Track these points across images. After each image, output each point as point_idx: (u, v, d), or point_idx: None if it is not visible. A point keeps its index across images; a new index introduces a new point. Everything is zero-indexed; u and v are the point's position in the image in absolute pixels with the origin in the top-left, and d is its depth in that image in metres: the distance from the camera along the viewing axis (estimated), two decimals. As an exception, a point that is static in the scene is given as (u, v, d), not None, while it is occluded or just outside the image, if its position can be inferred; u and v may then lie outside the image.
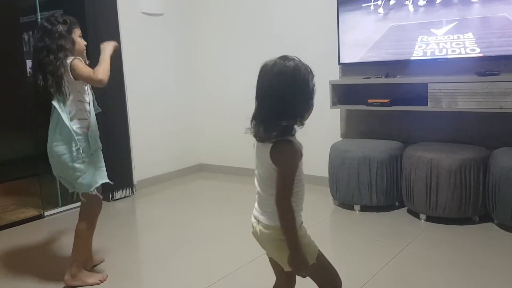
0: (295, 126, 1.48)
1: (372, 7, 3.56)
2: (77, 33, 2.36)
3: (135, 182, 4.29)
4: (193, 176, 4.88)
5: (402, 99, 3.47)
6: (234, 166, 4.78)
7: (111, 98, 3.86)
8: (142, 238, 3.34)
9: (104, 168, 2.49)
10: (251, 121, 1.50)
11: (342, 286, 1.61)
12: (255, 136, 1.50)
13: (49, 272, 2.63)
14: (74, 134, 2.30)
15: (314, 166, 3.83)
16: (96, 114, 2.48)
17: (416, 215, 3.25)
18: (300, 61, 1.47)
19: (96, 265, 2.67)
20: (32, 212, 3.73)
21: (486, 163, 3.03)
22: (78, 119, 2.34)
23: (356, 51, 3.69)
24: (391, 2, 3.47)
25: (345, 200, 3.51)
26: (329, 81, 3.64)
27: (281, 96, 1.43)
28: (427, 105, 3.21)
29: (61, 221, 3.60)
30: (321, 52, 3.89)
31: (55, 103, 2.27)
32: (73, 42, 2.33)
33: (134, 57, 4.25)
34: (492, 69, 3.10)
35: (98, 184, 2.41)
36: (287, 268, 1.55)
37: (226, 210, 3.71)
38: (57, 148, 2.31)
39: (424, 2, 3.34)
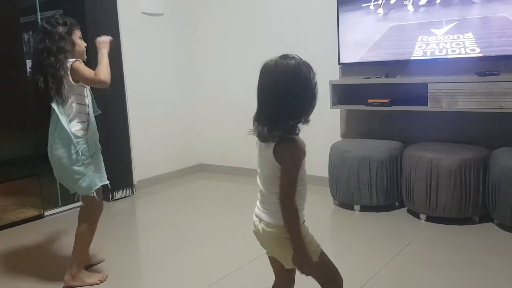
0: (300, 124, 1.46)
1: (372, 7, 3.56)
2: (77, 34, 2.36)
3: (135, 182, 4.30)
4: (193, 176, 4.88)
5: (402, 99, 3.47)
6: (234, 166, 4.79)
7: (111, 98, 3.86)
8: (142, 238, 3.33)
9: (104, 170, 2.48)
10: (254, 122, 1.48)
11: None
12: (259, 136, 1.48)
13: (49, 272, 2.63)
14: (73, 137, 2.29)
15: (314, 166, 3.80)
16: (96, 116, 2.48)
17: (416, 215, 3.25)
18: (301, 59, 1.46)
19: (93, 265, 2.67)
20: (32, 212, 3.73)
21: (486, 163, 3.03)
22: (77, 121, 2.34)
23: (356, 51, 3.69)
24: (391, 2, 3.48)
25: (345, 200, 3.51)
26: (329, 81, 3.64)
27: (285, 95, 1.42)
28: (427, 105, 3.21)
29: (61, 221, 3.60)
30: (321, 52, 3.89)
31: (54, 105, 2.27)
32: (73, 44, 2.33)
33: (134, 57, 4.25)
34: (492, 69, 3.10)
35: (97, 187, 2.41)
36: (288, 266, 1.55)
37: (226, 210, 3.71)
38: (56, 151, 2.31)
39: (424, 2, 3.34)
